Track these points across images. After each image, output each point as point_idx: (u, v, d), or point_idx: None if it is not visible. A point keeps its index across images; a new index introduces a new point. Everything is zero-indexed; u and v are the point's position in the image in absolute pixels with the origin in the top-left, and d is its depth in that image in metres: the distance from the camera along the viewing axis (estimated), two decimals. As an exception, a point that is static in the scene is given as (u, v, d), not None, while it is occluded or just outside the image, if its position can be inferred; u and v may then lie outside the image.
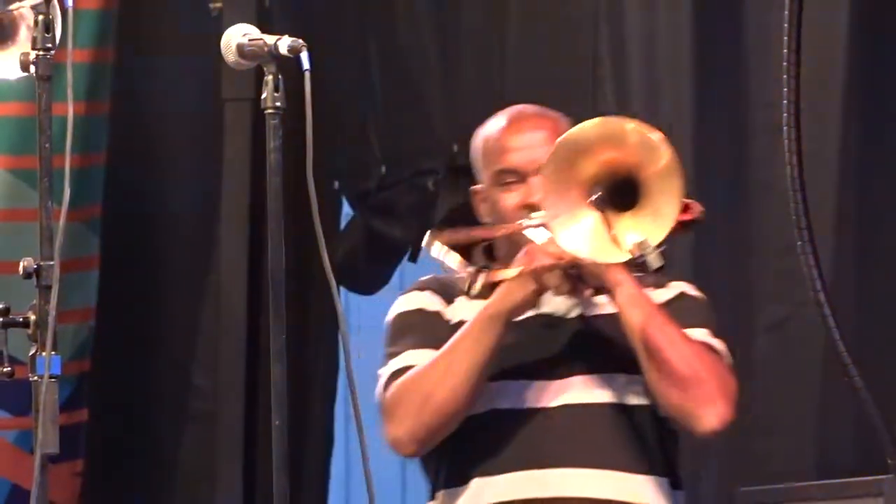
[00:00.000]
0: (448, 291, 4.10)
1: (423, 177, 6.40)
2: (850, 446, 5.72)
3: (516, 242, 4.01)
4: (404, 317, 4.12)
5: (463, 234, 4.16)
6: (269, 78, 3.43)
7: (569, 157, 3.90)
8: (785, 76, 5.02)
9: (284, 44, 3.44)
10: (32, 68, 3.40)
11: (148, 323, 6.53)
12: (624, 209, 3.91)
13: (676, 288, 4.13)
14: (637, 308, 3.92)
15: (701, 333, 4.02)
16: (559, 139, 3.96)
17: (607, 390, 4.00)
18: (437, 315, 4.10)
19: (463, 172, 5.92)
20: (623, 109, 5.81)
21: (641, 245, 3.82)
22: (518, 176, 4.01)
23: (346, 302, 7.04)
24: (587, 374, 4.00)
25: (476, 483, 3.96)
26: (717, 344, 4.05)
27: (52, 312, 3.34)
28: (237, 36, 3.49)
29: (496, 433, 4.00)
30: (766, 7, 5.82)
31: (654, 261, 3.79)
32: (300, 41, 3.48)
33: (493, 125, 4.21)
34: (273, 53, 3.46)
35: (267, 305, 3.47)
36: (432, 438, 3.96)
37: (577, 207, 3.89)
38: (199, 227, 6.53)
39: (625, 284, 3.86)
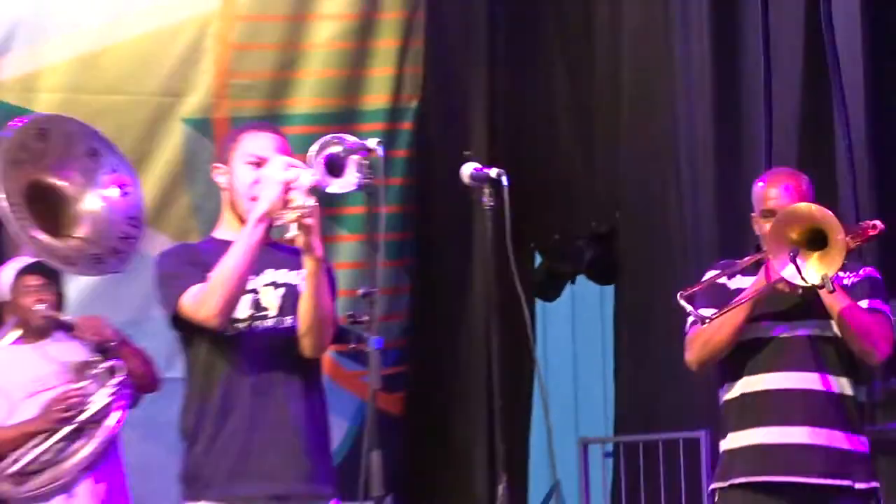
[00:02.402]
0: (730, 271, 4.34)
1: (577, 239, 7.45)
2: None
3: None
4: (705, 284, 4.35)
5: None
6: (486, 189, 3.79)
7: (785, 223, 4.15)
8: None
9: (494, 171, 3.80)
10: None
11: (435, 327, 7.36)
12: (813, 252, 4.11)
13: (866, 273, 4.35)
14: (831, 298, 4.14)
15: (875, 303, 4.24)
16: (780, 213, 4.18)
17: (819, 329, 4.26)
18: (722, 286, 4.34)
19: (599, 238, 7.33)
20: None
21: (824, 279, 4.08)
22: (773, 213, 4.24)
23: (543, 311, 7.97)
24: (808, 319, 4.24)
25: (749, 380, 4.26)
26: (886, 309, 4.26)
27: (377, 316, 3.65)
28: (469, 168, 3.84)
29: (758, 348, 4.25)
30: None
31: (829, 285, 4.08)
32: (501, 170, 3.78)
33: (763, 178, 4.42)
34: (488, 178, 3.81)
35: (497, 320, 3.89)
36: (707, 364, 4.29)
37: (791, 253, 4.10)
38: (460, 277, 7.31)
39: (832, 285, 4.06)
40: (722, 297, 4.24)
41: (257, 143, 3.87)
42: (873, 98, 5.71)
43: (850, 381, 4.23)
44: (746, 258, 4.27)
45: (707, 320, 4.14)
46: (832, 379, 4.22)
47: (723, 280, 4.30)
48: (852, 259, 4.30)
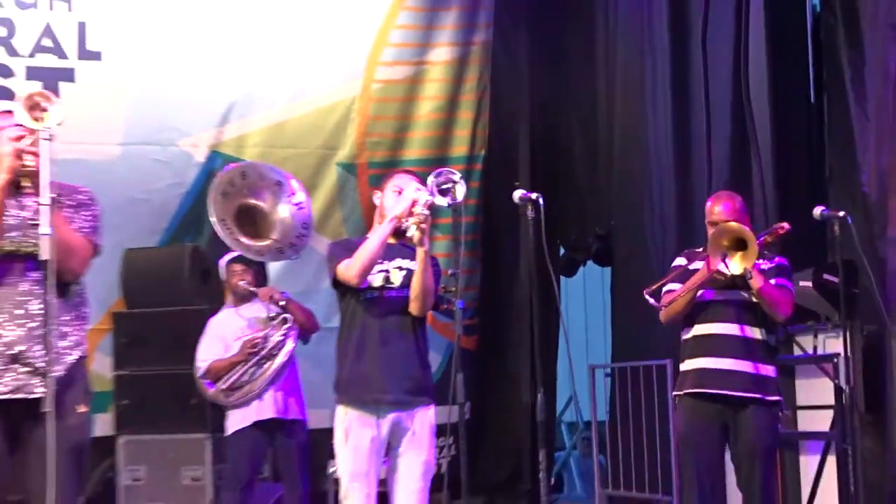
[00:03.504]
0: (691, 257, 4.19)
1: (588, 238, 7.24)
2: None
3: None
4: (674, 268, 4.20)
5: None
6: (529, 206, 3.65)
7: (719, 236, 4.00)
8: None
9: (534, 195, 3.65)
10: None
11: (496, 294, 7.16)
12: (738, 252, 3.96)
13: (778, 261, 4.18)
14: (754, 280, 4.01)
15: (781, 280, 4.09)
16: (715, 229, 4.01)
17: (744, 297, 4.07)
18: (685, 267, 4.17)
19: (602, 237, 7.09)
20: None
21: (745, 270, 3.96)
22: (714, 224, 4.06)
23: (565, 283, 7.93)
24: (738, 290, 4.06)
25: (697, 327, 4.11)
26: (789, 285, 4.10)
27: (459, 288, 3.67)
28: (518, 193, 3.69)
29: (704, 307, 4.10)
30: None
31: (748, 276, 3.98)
32: (539, 194, 3.63)
33: (711, 198, 4.19)
34: (530, 199, 3.65)
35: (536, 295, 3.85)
36: (670, 323, 4.16)
37: (722, 254, 3.95)
38: (512, 262, 7.10)
39: (751, 274, 3.98)
40: (684, 276, 4.19)
41: (402, 179, 3.99)
42: (778, 148, 5.52)
43: (763, 331, 4.14)
44: (700, 249, 4.19)
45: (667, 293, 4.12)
46: (750, 329, 4.12)
47: (687, 264, 4.21)
48: (770, 251, 4.21)
